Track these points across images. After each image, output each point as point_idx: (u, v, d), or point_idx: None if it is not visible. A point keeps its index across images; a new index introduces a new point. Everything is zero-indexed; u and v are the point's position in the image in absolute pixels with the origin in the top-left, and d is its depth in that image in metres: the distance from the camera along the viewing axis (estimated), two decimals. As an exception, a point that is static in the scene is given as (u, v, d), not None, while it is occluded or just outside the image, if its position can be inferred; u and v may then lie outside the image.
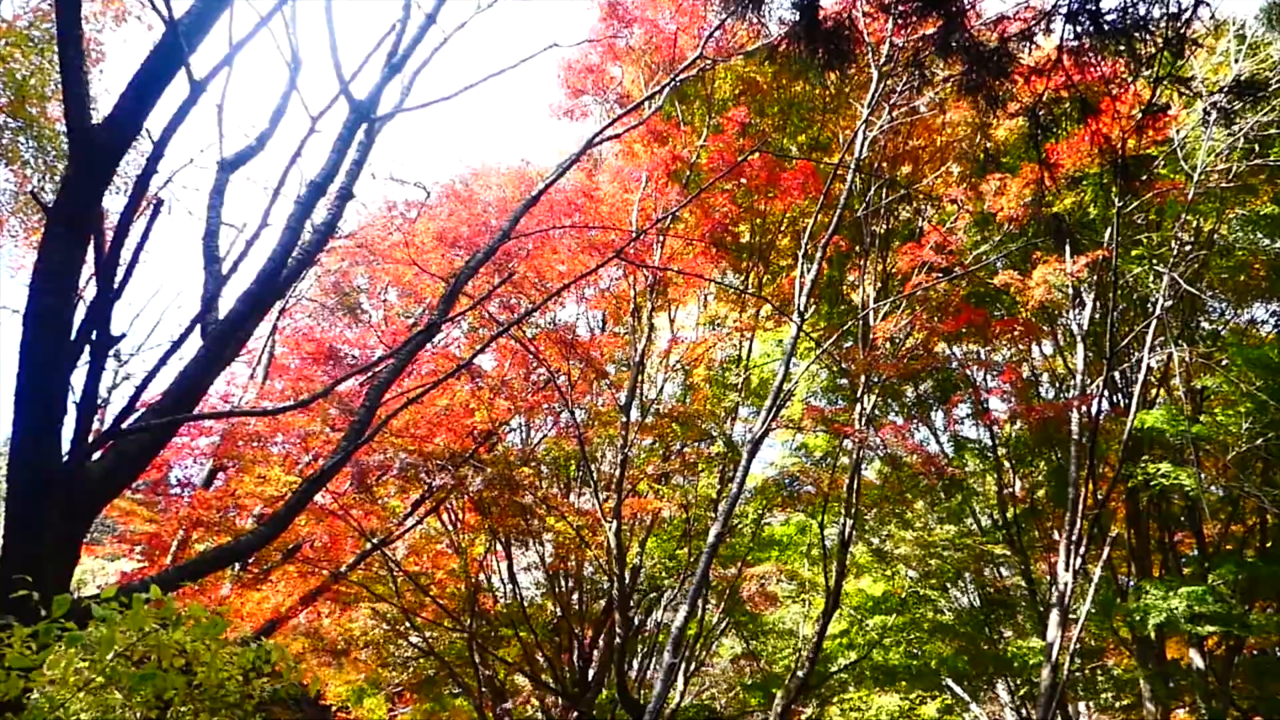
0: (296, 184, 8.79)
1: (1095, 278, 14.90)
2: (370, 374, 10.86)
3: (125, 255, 6.42)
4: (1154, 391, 17.44)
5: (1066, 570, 13.11)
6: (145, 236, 7.33)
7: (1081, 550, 12.90)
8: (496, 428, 14.40)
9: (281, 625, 15.35)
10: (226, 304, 7.87)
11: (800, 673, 14.91)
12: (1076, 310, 15.51)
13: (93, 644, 4.67)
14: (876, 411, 22.49)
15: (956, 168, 16.86)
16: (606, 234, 14.11)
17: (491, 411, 13.42)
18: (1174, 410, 14.53)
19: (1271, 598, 17.62)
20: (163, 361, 6.47)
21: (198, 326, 7.33)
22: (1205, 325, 19.52)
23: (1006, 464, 21.09)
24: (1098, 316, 15.70)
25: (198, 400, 7.53)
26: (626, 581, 14.39)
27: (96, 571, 21.84)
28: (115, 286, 6.57)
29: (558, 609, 18.49)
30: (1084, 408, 14.33)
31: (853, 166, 13.00)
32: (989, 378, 21.13)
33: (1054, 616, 13.14)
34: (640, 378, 14.26)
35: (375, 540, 15.41)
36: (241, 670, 5.34)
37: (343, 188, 9.29)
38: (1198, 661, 17.68)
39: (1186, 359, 13.49)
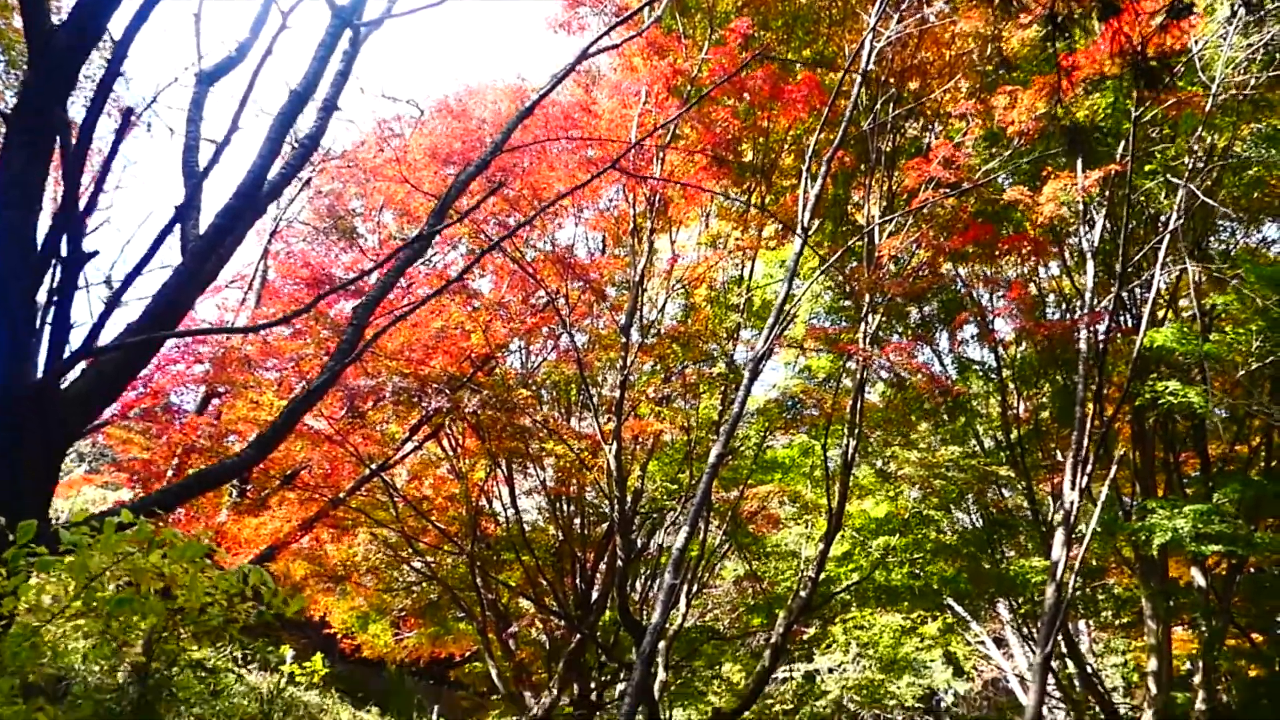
0: (280, 97, 8.44)
1: (1107, 194, 14.49)
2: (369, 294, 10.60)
3: (105, 177, 6.11)
4: (1162, 311, 17.15)
5: (1072, 489, 12.94)
6: (116, 147, 6.99)
7: (1087, 469, 12.71)
8: (495, 351, 14.16)
9: (281, 551, 15.30)
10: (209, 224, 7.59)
11: (803, 593, 14.84)
12: (1086, 228, 15.14)
13: (65, 570, 4.48)
14: (881, 332, 22.28)
15: (965, 83, 16.36)
16: (605, 151, 13.73)
17: (489, 334, 13.16)
18: (1183, 328, 14.23)
19: (1275, 516, 17.49)
20: (135, 273, 6.17)
21: (177, 240, 7.02)
22: (1215, 245, 19.16)
23: (1011, 385, 20.89)
24: (1108, 234, 15.34)
25: (179, 319, 7.26)
26: (627, 505, 14.26)
27: (97, 502, 21.80)
28: (85, 199, 6.26)
29: (559, 533, 18.45)
30: (1094, 325, 14.03)
31: (859, 79, 12.55)
32: (995, 298, 20.86)
33: (1059, 535, 13.00)
34: (640, 298, 13.96)
35: (374, 466, 15.28)
36: (226, 595, 5.15)
37: (327, 99, 8.92)
38: (1199, 580, 17.65)
39: (1198, 277, 13.10)
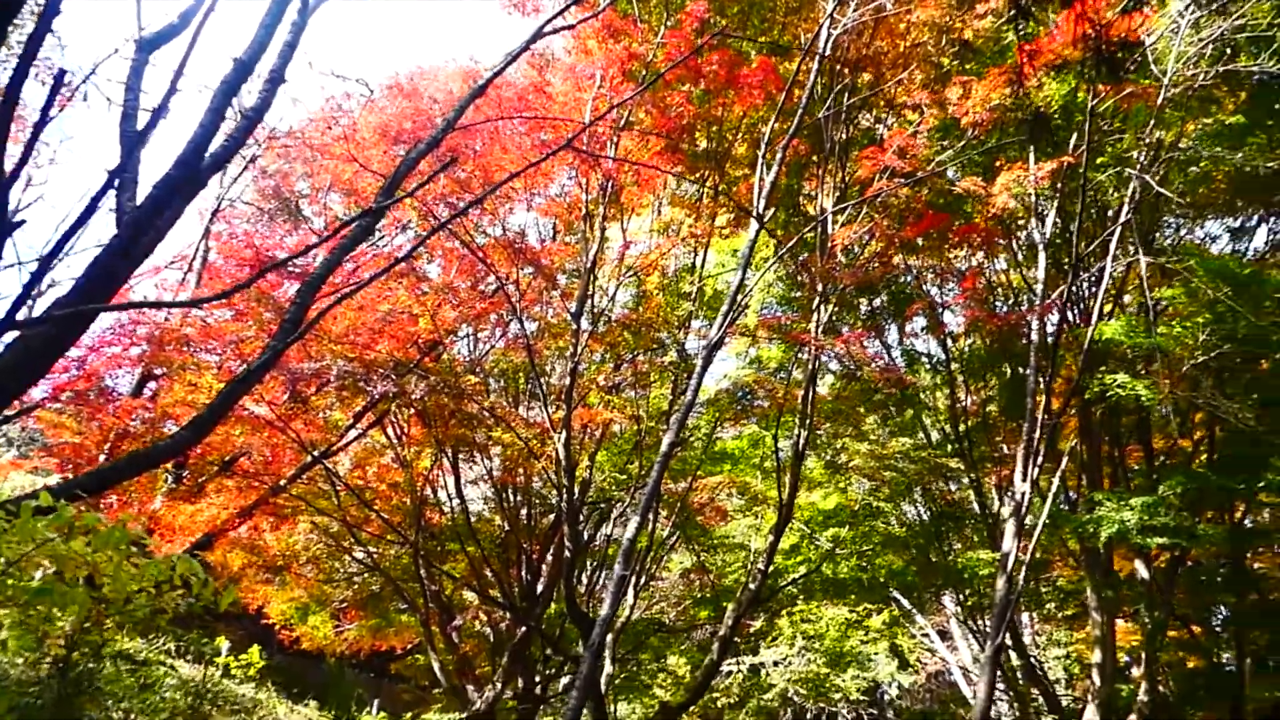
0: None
1: (1059, 186, 14.51)
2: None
3: (35, 140, 5.76)
4: (1109, 306, 17.25)
5: (1023, 481, 12.93)
6: (47, 110, 6.63)
7: (1038, 461, 12.70)
8: (443, 337, 13.84)
9: (218, 539, 14.87)
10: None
11: (752, 585, 14.71)
12: (1038, 221, 15.16)
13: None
14: (833, 322, 22.26)
15: (920, 74, 16.30)
16: (558, 134, 13.47)
17: (436, 319, 12.84)
18: (1132, 321, 14.30)
19: (1217, 509, 17.71)
20: (66, 238, 5.83)
21: (107, 207, 6.66)
22: (1160, 241, 19.34)
23: (959, 378, 20.97)
24: (1058, 227, 15.39)
25: (113, 294, 6.90)
26: (576, 495, 14.02)
27: (26, 488, 21.08)
28: (11, 165, 5.91)
29: (505, 524, 18.18)
30: (1046, 315, 14.02)
31: (815, 65, 12.40)
32: (946, 290, 20.91)
33: (1009, 527, 12.98)
34: (591, 285, 13.72)
35: (316, 452, 14.90)
36: (154, 583, 4.86)
37: (274, 71, 8.58)
38: (1142, 572, 17.81)
39: (1145, 270, 13.12)
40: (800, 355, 15.44)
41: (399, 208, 13.28)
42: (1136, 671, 17.32)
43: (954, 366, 20.93)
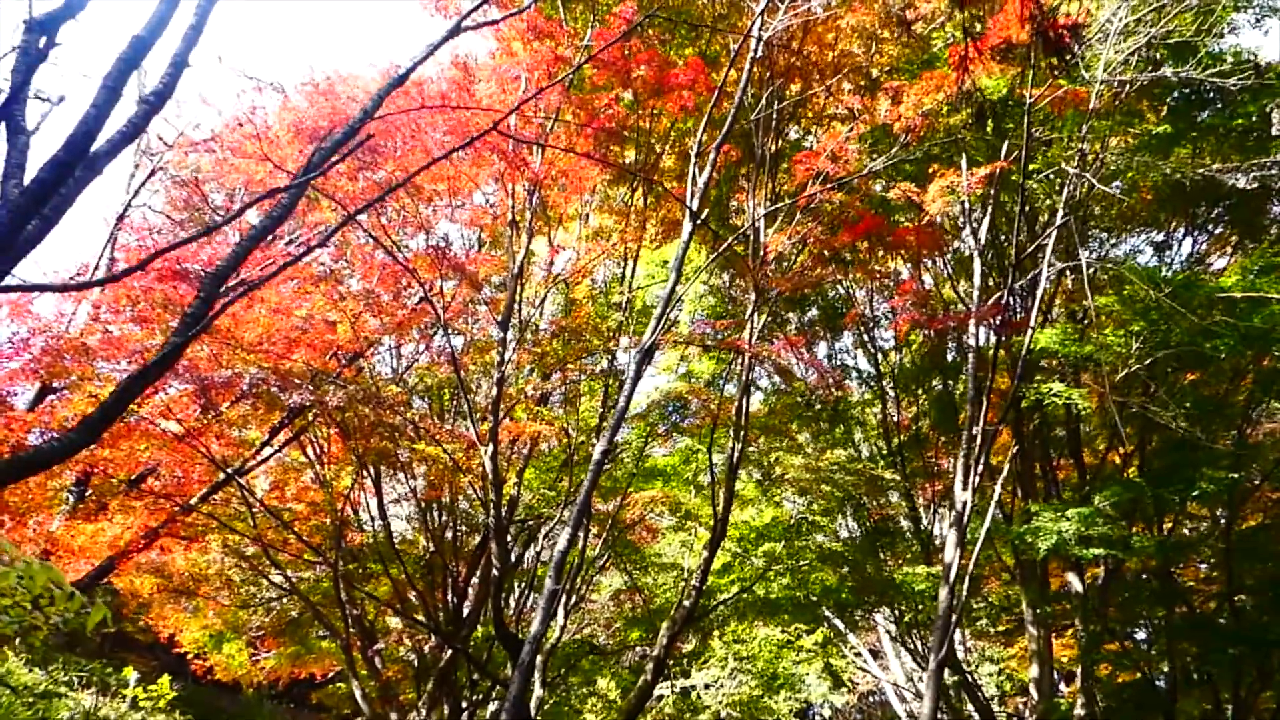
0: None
1: (993, 191, 14.43)
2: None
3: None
4: (1039, 319, 17.24)
5: (964, 489, 12.71)
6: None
7: (979, 468, 12.48)
8: (364, 348, 13.25)
9: (123, 562, 14.04)
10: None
11: (686, 603, 14.28)
12: (973, 225, 15.06)
13: None
14: (765, 335, 22.02)
15: (849, 84, 16.19)
16: (484, 141, 13.02)
17: (356, 326, 12.25)
18: (1066, 329, 14.21)
19: (1148, 521, 17.74)
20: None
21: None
22: (1085, 256, 19.44)
23: (890, 393, 20.88)
24: (992, 237, 15.32)
25: (-11, 284, 6.28)
26: (503, 511, 13.48)
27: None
28: None
29: (430, 544, 17.56)
30: (991, 317, 13.80)
31: (746, 65, 12.10)
32: (877, 302, 20.82)
33: (951, 537, 12.73)
34: (519, 293, 13.26)
35: (230, 470, 14.19)
36: (29, 597, 4.33)
37: (177, 55, 8.01)
38: (1076, 585, 17.75)
39: (1085, 272, 12.98)
40: (733, 367, 15.13)
41: (317, 209, 12.69)
42: (1068, 688, 17.27)
43: (885, 381, 20.83)
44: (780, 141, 16.65)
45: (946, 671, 18.82)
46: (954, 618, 11.87)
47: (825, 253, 14.41)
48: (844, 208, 14.07)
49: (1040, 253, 13.25)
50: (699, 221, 10.77)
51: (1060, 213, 13.00)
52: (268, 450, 15.45)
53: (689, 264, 16.92)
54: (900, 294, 14.00)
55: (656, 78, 13.01)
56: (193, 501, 14.22)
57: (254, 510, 15.47)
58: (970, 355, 14.05)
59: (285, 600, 19.12)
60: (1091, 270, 15.63)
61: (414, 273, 12.33)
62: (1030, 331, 13.17)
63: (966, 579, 11.83)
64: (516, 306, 13.20)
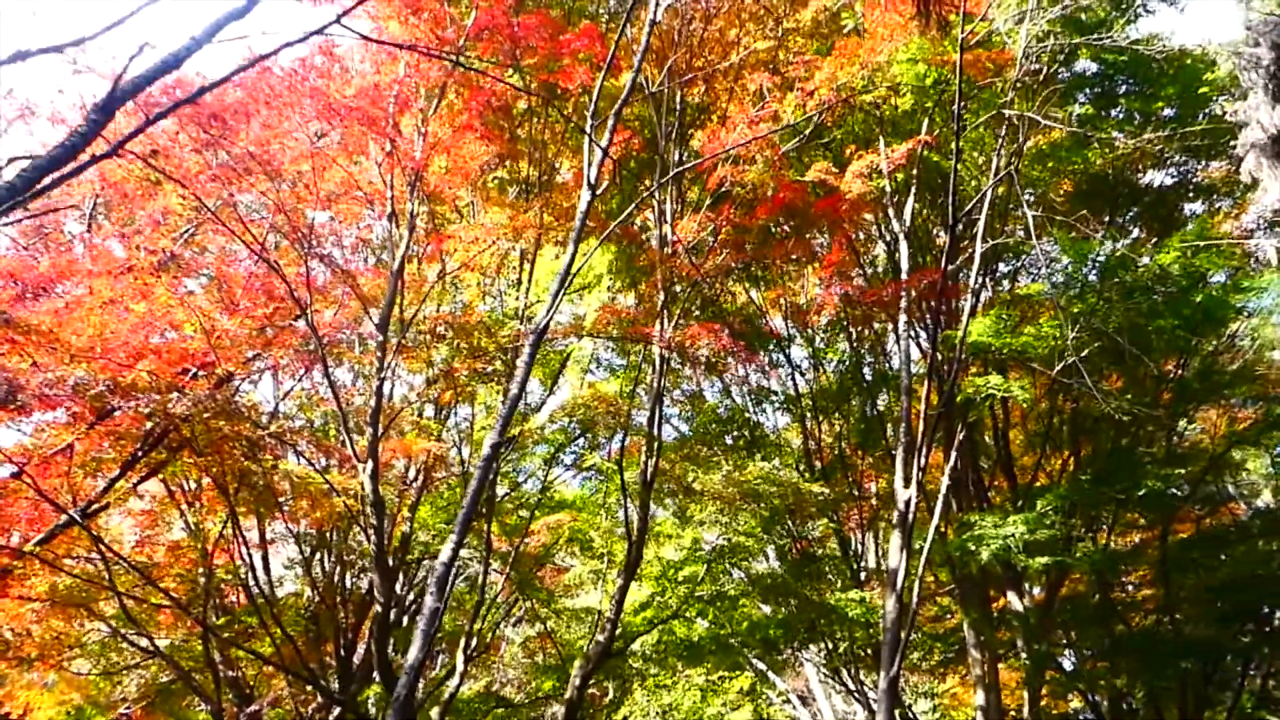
0: None
1: (915, 172, 13.42)
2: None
3: None
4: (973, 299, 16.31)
5: (906, 486, 11.47)
6: None
7: (922, 462, 11.18)
8: (221, 358, 11.40)
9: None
10: None
11: (600, 638, 12.77)
12: (895, 211, 14.04)
13: None
14: (673, 362, 20.78)
15: (756, 78, 15.19)
16: (358, 125, 11.62)
17: (212, 335, 10.53)
18: (1001, 315, 13.16)
19: (1091, 523, 16.75)
20: None
21: None
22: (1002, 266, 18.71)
23: (809, 416, 19.74)
24: (919, 218, 14.34)
25: None
26: (385, 538, 11.81)
27: None
28: None
29: (316, 592, 15.78)
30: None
31: (646, 29, 10.86)
32: (795, 326, 19.76)
33: (895, 539, 11.44)
34: (400, 289, 11.76)
35: (71, 512, 12.29)
36: None
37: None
38: (1016, 604, 16.66)
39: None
40: (643, 373, 13.80)
41: (160, 193, 11.06)
42: (1024, 712, 16.09)
43: (804, 403, 19.69)
44: (684, 151, 15.58)
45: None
46: (904, 631, 10.52)
47: (742, 238, 13.21)
48: (757, 191, 12.87)
49: (980, 208, 12.17)
50: (593, 196, 9.45)
51: (992, 178, 11.99)
52: (123, 490, 13.47)
53: (590, 272, 15.64)
54: (826, 266, 12.78)
55: (549, 49, 11.75)
56: (28, 548, 12.23)
57: (108, 560, 13.57)
58: (902, 340, 12.91)
59: (154, 666, 16.99)
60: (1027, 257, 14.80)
61: (277, 268, 10.74)
62: (967, 315, 12.05)
63: (916, 585, 10.50)
64: (397, 304, 11.69)
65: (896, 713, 16.84)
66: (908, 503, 11.31)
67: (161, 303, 10.23)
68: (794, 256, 12.92)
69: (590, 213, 9.59)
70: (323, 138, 12.30)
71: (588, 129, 9.93)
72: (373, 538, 11.02)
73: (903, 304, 12.79)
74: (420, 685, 19.90)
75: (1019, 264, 18.48)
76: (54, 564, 12.64)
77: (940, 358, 14.24)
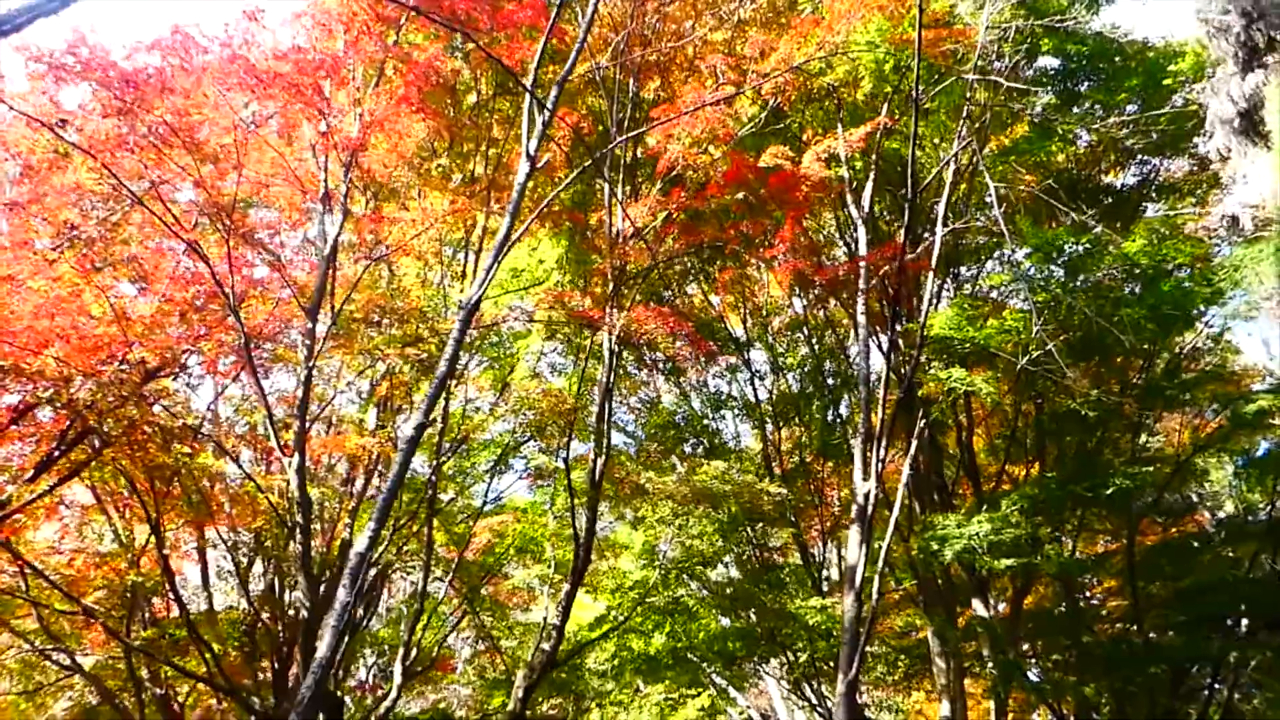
0: None
1: (874, 159, 12.92)
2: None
3: None
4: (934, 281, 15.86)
5: (865, 478, 10.90)
6: None
7: (882, 454, 10.58)
8: (141, 347, 10.61)
9: None
10: None
11: (545, 646, 12.08)
12: (853, 196, 13.55)
13: None
14: (628, 366, 20.17)
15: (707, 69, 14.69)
16: (287, 96, 10.95)
17: (121, 314, 9.79)
18: (964, 305, 12.67)
19: (1057, 526, 16.24)
20: None
21: None
22: (964, 271, 18.31)
23: (769, 422, 19.20)
24: (877, 202, 13.84)
25: None
26: (310, 538, 11.05)
27: None
28: None
29: (251, 604, 14.95)
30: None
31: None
32: (755, 322, 19.25)
33: (853, 534, 10.86)
34: (331, 275, 11.08)
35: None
36: None
37: None
38: (982, 611, 16.12)
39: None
40: (586, 367, 13.15)
41: (70, 168, 10.30)
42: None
43: (764, 409, 19.15)
44: (640, 149, 15.04)
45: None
46: (863, 631, 9.90)
47: (694, 224, 12.64)
48: (709, 174, 12.28)
49: (941, 187, 11.65)
50: (532, 169, 8.85)
51: (955, 148, 11.49)
52: (36, 493, 12.62)
53: (538, 265, 15.04)
54: (780, 241, 12.20)
55: (490, 22, 11.16)
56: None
57: (23, 570, 12.79)
58: (860, 328, 12.37)
59: (79, 685, 16.06)
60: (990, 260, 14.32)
61: (196, 248, 10.02)
62: (927, 302, 11.52)
63: (876, 582, 9.87)
64: (328, 289, 11.00)
65: (858, 724, 16.29)
66: (867, 495, 10.75)
67: (67, 281, 9.48)
68: (746, 234, 12.26)
69: (527, 188, 8.99)
70: (253, 117, 11.62)
71: (525, 99, 9.37)
72: (298, 537, 10.28)
73: (860, 285, 12.24)
74: (367, 703, 19.16)
75: (980, 266, 18.10)
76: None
77: (901, 346, 13.72)
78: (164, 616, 16.02)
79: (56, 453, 12.63)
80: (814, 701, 17.36)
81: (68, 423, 11.41)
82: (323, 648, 6.56)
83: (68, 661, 14.61)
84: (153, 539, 13.57)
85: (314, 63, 10.66)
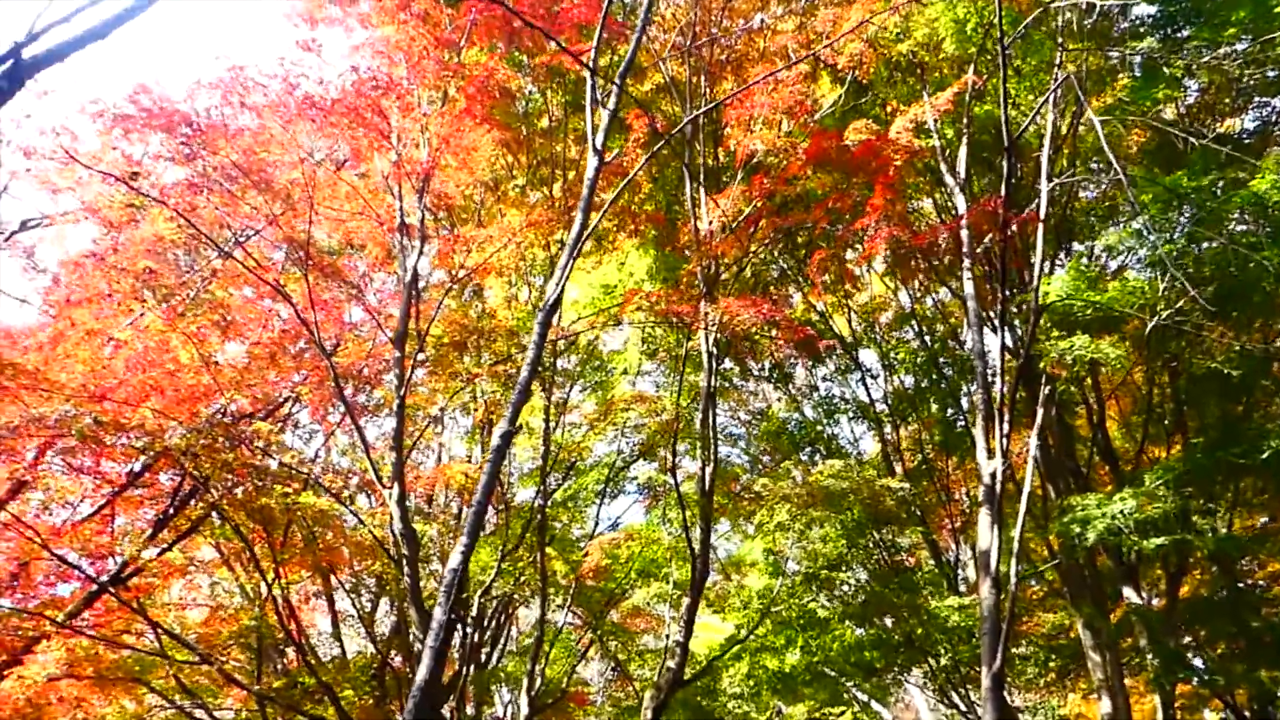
0: None
1: (965, 123, 12.24)
2: None
3: None
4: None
5: (990, 457, 10.17)
6: None
7: (1005, 429, 9.80)
8: (227, 392, 10.58)
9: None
10: None
11: (671, 664, 11.58)
12: (947, 165, 12.86)
13: None
14: (733, 378, 19.67)
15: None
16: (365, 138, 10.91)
17: (208, 360, 9.76)
18: (1082, 267, 11.82)
19: (1207, 503, 15.05)
20: None
21: None
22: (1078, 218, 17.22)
23: (885, 423, 18.45)
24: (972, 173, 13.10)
25: None
26: (417, 568, 10.79)
27: None
28: None
29: (377, 647, 14.94)
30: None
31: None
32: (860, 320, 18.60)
33: (983, 517, 10.09)
34: (414, 301, 10.92)
35: (102, 579, 11.62)
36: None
37: None
38: (1134, 598, 15.02)
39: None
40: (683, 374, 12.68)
41: (145, 219, 10.39)
42: None
43: (878, 407, 18.42)
44: (720, 153, 14.66)
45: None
46: (1005, 620, 9.13)
47: (779, 209, 12.13)
48: (790, 157, 11.73)
49: (1042, 117, 10.88)
50: (601, 162, 8.53)
51: (1054, 84, 10.73)
52: (154, 550, 12.73)
53: (630, 279, 14.71)
54: (870, 211, 11.51)
55: (546, 25, 10.91)
56: (61, 618, 11.51)
57: (159, 630, 12.88)
58: (969, 299, 11.63)
59: (219, 743, 16.14)
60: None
61: (280, 289, 9.96)
62: (1039, 266, 10.72)
63: (1014, 565, 9.05)
64: (411, 317, 10.83)
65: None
66: (994, 475, 10.02)
67: (153, 331, 9.48)
68: (835, 209, 11.61)
69: (597, 181, 8.65)
70: (326, 151, 11.63)
71: (588, 90, 9.07)
72: (406, 570, 10.05)
73: (964, 247, 11.48)
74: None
75: (1093, 241, 17.08)
76: (102, 637, 11.85)
77: (1014, 318, 12.92)
78: (294, 667, 16.11)
79: (171, 510, 12.78)
80: (963, 708, 16.44)
81: (178, 480, 11.52)
82: (422, 670, 6.24)
83: (207, 718, 14.74)
84: (274, 588, 13.64)
85: (378, 87, 10.57)
